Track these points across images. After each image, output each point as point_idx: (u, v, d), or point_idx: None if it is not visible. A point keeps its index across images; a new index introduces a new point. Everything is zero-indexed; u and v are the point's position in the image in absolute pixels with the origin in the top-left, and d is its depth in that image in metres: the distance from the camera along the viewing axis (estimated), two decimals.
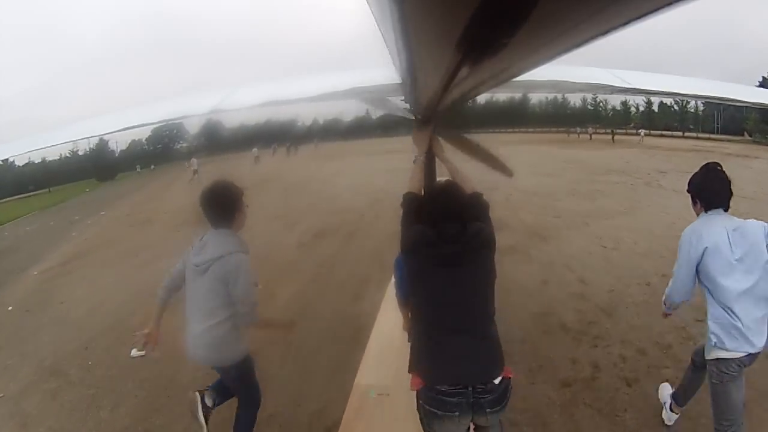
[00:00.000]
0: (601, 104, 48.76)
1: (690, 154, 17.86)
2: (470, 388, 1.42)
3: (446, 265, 1.49)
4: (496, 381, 1.45)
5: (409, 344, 1.64)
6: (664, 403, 2.45)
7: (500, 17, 0.53)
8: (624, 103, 47.31)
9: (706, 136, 32.50)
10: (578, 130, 35.63)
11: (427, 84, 1.24)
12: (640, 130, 31.88)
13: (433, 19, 0.57)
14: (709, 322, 1.90)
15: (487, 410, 1.44)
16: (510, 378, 1.50)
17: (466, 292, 1.50)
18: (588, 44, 0.67)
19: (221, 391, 2.18)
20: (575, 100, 49.45)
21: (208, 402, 2.11)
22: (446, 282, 1.50)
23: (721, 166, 1.96)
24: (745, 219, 1.91)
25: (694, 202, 1.99)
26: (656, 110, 44.84)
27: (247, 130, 48.32)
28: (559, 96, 46.34)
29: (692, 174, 2.00)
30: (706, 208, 1.94)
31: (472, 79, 1.05)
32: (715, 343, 1.87)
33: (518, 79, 1.10)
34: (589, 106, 49.03)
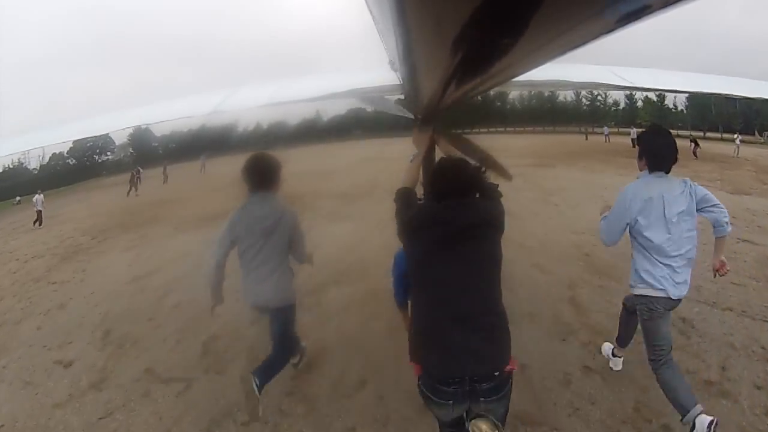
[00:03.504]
0: (599, 98, 44.30)
1: None
2: (467, 378, 1.40)
3: (452, 243, 1.45)
4: (496, 372, 1.42)
5: None
6: (607, 355, 2.74)
7: (499, 18, 0.54)
8: (630, 98, 42.92)
9: (733, 137, 22.05)
10: (606, 131, 28.76)
11: (427, 84, 1.24)
12: (736, 137, 20.11)
13: (433, 20, 0.58)
14: (638, 269, 2.10)
15: (482, 399, 1.42)
16: (512, 370, 1.47)
17: (471, 274, 1.45)
18: (588, 44, 0.68)
19: (266, 371, 2.41)
20: (570, 95, 45.24)
21: (258, 381, 2.31)
22: (451, 263, 1.45)
23: (668, 131, 2.13)
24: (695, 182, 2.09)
25: (640, 158, 2.12)
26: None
27: (182, 137, 42.76)
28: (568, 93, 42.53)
29: (644, 131, 2.17)
30: (650, 169, 2.07)
31: (471, 79, 1.05)
32: (641, 286, 2.08)
33: (518, 78, 1.11)
34: (584, 101, 44.82)
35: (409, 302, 1.73)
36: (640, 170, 2.13)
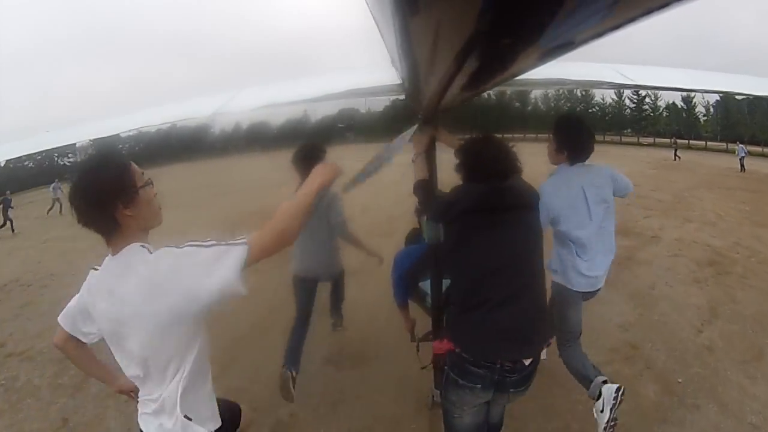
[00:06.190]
0: (648, 101, 35.07)
1: None
2: (499, 365, 1.37)
3: (497, 225, 1.43)
4: (527, 362, 1.39)
5: None
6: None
7: (501, 16, 0.52)
8: (687, 102, 33.29)
9: None
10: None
11: (427, 83, 1.22)
12: None
13: (434, 18, 0.57)
14: (558, 260, 2.03)
15: (510, 390, 1.42)
16: (539, 358, 1.43)
17: (515, 255, 1.43)
18: (591, 42, 0.65)
19: (295, 359, 2.55)
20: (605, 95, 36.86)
21: (294, 374, 2.45)
22: (496, 245, 1.43)
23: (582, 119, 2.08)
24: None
25: (560, 150, 2.00)
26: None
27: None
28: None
29: (560, 118, 2.06)
30: (571, 161, 1.98)
31: (472, 77, 1.02)
32: (560, 276, 2.03)
33: (520, 77, 1.08)
34: (629, 102, 36.38)
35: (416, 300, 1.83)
36: (555, 163, 2.05)
